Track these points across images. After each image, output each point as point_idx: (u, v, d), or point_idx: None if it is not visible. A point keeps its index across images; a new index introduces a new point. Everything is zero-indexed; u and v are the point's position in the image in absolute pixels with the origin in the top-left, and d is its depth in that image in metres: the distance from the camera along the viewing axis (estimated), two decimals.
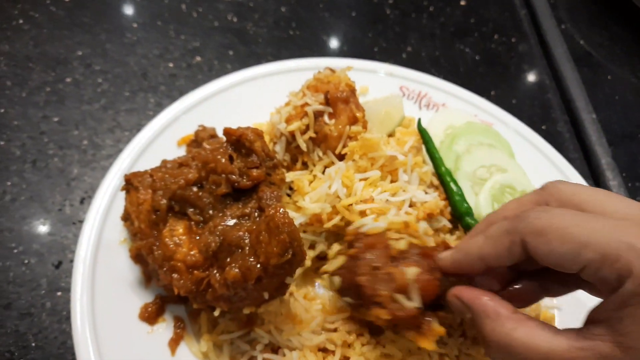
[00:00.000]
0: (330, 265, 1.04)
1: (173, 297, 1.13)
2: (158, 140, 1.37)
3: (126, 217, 1.14)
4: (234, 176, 1.08)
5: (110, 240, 1.17)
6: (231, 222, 1.05)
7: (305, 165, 1.33)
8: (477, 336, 1.02)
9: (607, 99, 2.16)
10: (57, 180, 1.42)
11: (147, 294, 1.13)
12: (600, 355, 0.70)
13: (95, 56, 1.77)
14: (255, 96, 1.57)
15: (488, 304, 0.82)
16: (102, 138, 1.54)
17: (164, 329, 1.09)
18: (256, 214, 1.06)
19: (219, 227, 1.04)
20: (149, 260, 1.07)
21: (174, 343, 1.07)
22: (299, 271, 1.22)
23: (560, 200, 0.78)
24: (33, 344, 1.13)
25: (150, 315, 1.09)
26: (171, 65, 1.81)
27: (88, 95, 1.65)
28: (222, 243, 1.02)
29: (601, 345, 0.70)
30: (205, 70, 1.82)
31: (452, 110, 1.62)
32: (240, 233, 1.01)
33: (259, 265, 0.96)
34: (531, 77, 2.15)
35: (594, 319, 0.75)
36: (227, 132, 1.10)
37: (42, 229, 1.31)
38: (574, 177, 1.55)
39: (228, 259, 1.00)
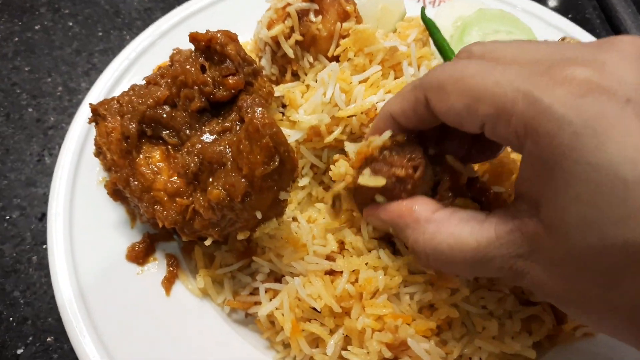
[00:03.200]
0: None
1: (162, 233, 1.02)
2: (132, 70, 1.22)
3: (99, 152, 1.01)
4: (207, 87, 0.93)
5: (88, 182, 1.05)
6: (210, 138, 0.91)
7: (296, 76, 1.17)
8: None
9: None
10: (33, 131, 1.30)
11: (135, 234, 1.01)
12: (527, 237, 0.58)
13: (63, 0, 1.62)
14: (239, 14, 1.40)
15: (404, 213, 0.74)
16: (78, 82, 1.41)
17: (156, 268, 0.98)
18: (238, 126, 0.92)
19: (197, 146, 0.90)
20: (127, 193, 0.95)
21: (167, 282, 0.96)
22: (299, 193, 1.08)
23: (469, 55, 0.68)
24: (22, 301, 1.04)
25: (139, 255, 0.98)
26: None
27: (59, 40, 1.51)
28: (201, 162, 0.88)
29: (527, 224, 0.58)
30: (182, 0, 1.65)
31: (461, 1, 1.41)
32: (221, 148, 0.87)
33: (243, 180, 0.82)
34: None
35: (519, 191, 0.61)
36: (193, 37, 0.95)
37: (22, 181, 1.21)
38: None
39: (210, 179, 0.87)
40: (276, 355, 0.93)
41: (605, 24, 1.71)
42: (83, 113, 1.11)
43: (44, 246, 1.11)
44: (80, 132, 1.09)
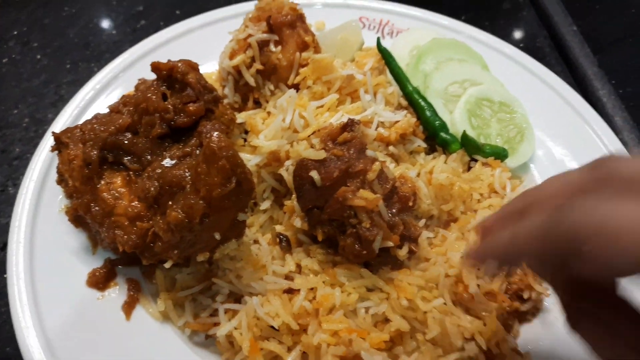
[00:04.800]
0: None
1: (123, 258, 1.03)
2: (98, 100, 1.25)
3: (61, 179, 1.03)
4: (168, 114, 0.96)
5: (50, 210, 1.06)
6: (170, 163, 0.94)
7: (257, 104, 1.22)
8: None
9: (586, 8, 2.02)
10: None
11: (96, 260, 1.02)
12: None
13: (32, 33, 1.65)
14: (204, 45, 1.44)
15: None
16: (44, 113, 1.43)
17: (117, 293, 0.98)
18: (198, 151, 0.95)
19: (157, 170, 0.92)
20: (88, 219, 0.96)
21: (128, 306, 0.96)
22: (261, 216, 1.11)
23: (621, 182, 0.53)
24: None
25: (99, 280, 0.98)
26: (114, 32, 1.69)
27: (27, 72, 1.54)
28: (161, 186, 0.91)
29: None
30: (151, 32, 1.68)
31: (417, 30, 1.49)
32: (180, 172, 0.90)
33: (201, 202, 0.84)
34: None
35: None
36: (155, 67, 0.99)
37: None
38: (558, 84, 1.42)
39: (170, 202, 0.89)
40: None
41: (554, 51, 1.81)
42: (47, 142, 1.13)
43: (5, 275, 1.10)
44: (43, 160, 1.10)
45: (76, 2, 1.77)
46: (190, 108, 0.97)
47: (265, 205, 1.11)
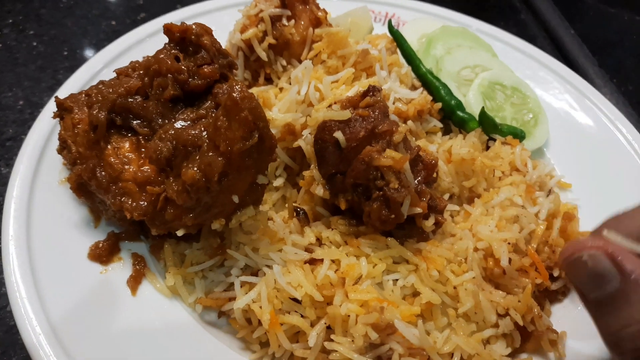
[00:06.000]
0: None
1: (128, 232, 0.95)
2: (98, 78, 1.19)
3: (62, 147, 0.96)
4: (182, 75, 0.91)
5: (48, 181, 0.98)
6: (184, 125, 0.88)
7: (268, 81, 1.18)
8: None
9: (582, 14, 2.06)
10: None
11: (98, 234, 0.94)
12: None
13: (28, 21, 1.60)
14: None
15: None
16: (41, 97, 1.36)
17: (121, 268, 0.90)
18: (213, 114, 0.90)
19: (170, 132, 0.86)
20: (92, 185, 0.89)
21: (133, 281, 0.88)
22: (274, 194, 1.05)
23: None
24: None
25: (103, 254, 0.90)
26: (114, 23, 1.65)
27: (22, 58, 1.48)
28: (175, 147, 0.84)
29: None
30: None
31: (424, 20, 1.48)
32: (196, 131, 0.84)
33: (220, 158, 0.78)
34: (500, 1, 2.04)
35: None
36: (168, 29, 0.94)
37: None
38: (565, 72, 1.42)
39: (185, 163, 0.83)
40: (252, 356, 0.85)
41: (555, 51, 1.83)
42: (46, 115, 1.06)
43: None
44: (42, 132, 1.03)
45: None
46: (205, 70, 0.92)
47: (278, 182, 1.06)
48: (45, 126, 1.04)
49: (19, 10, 1.64)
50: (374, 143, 0.85)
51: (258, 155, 0.80)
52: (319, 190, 0.93)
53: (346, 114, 0.86)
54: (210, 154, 0.80)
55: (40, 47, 1.52)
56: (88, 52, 1.52)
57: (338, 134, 0.85)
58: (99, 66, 1.18)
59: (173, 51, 0.94)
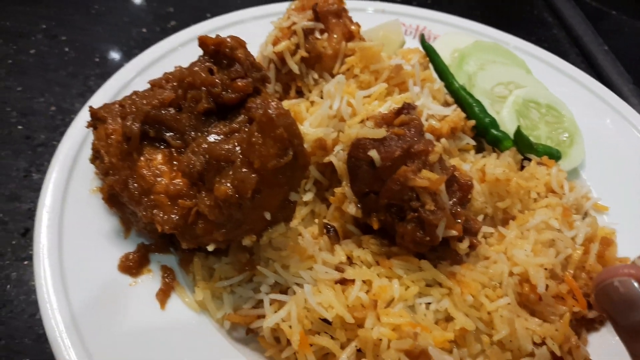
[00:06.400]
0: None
1: (158, 244, 0.95)
2: (130, 88, 1.20)
3: (95, 157, 0.96)
4: (216, 88, 0.90)
5: (80, 190, 0.99)
6: (217, 139, 0.87)
7: (299, 94, 1.17)
8: None
9: (615, 30, 2.02)
10: (21, 147, 1.24)
11: (128, 245, 0.94)
12: None
13: (60, 27, 1.62)
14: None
15: None
16: (72, 103, 1.38)
17: (150, 280, 0.90)
18: (246, 128, 0.89)
19: (203, 145, 0.86)
20: (124, 196, 0.89)
21: (163, 294, 0.88)
22: (303, 209, 1.04)
23: None
24: None
25: (133, 265, 0.90)
26: (144, 30, 1.66)
27: (54, 64, 1.49)
28: (207, 161, 0.84)
29: None
30: None
31: (456, 34, 1.46)
32: (229, 146, 0.83)
33: (254, 175, 0.77)
34: (531, 15, 2.01)
35: None
36: (202, 41, 0.93)
37: (6, 196, 1.13)
38: (600, 89, 1.38)
39: (217, 178, 0.82)
40: None
41: (589, 69, 1.79)
42: (79, 124, 1.07)
43: (25, 262, 1.02)
44: (75, 140, 1.04)
45: (104, 1, 1.75)
46: (239, 84, 0.91)
47: (307, 197, 1.05)
48: (77, 134, 1.04)
49: (52, 16, 1.66)
50: (409, 163, 0.83)
51: (291, 172, 0.79)
52: (352, 209, 0.91)
53: (381, 132, 0.84)
54: (244, 170, 0.79)
55: (71, 53, 1.53)
56: (119, 59, 1.53)
57: (373, 153, 0.83)
58: (131, 75, 1.18)
59: (207, 64, 0.94)
